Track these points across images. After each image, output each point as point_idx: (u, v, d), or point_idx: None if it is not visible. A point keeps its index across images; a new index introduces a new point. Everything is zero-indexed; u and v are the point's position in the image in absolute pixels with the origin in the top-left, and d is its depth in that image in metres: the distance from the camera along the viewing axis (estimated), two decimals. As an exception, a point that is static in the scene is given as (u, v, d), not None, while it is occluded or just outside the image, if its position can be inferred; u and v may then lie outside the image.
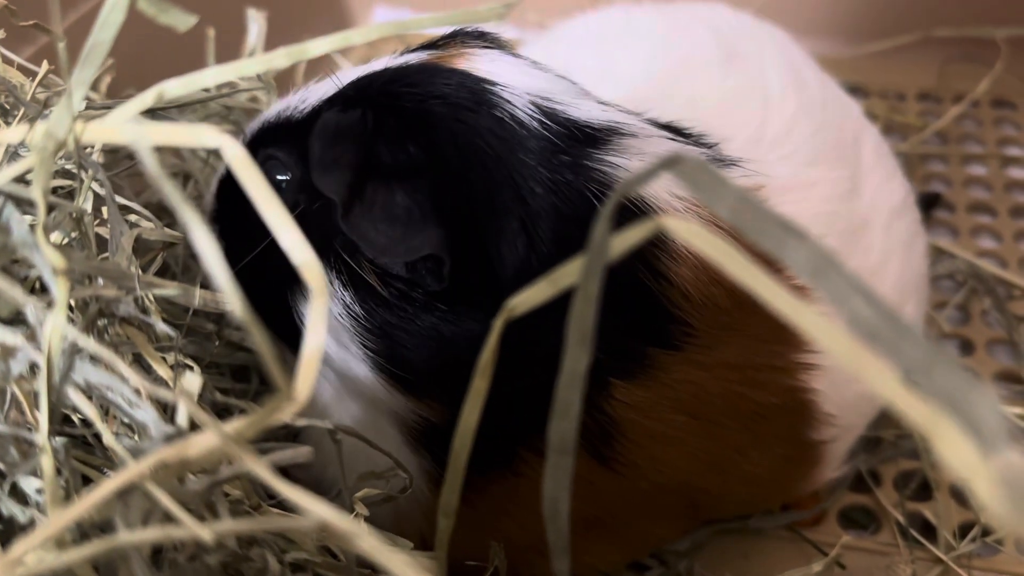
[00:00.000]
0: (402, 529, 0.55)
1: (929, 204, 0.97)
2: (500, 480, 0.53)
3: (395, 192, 0.47)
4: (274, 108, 0.56)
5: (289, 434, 0.57)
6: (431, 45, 0.56)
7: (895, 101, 1.11)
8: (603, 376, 0.50)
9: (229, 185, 0.57)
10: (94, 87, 0.76)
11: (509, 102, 0.49)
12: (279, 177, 0.52)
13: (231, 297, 0.30)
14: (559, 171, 0.48)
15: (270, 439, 0.58)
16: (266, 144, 0.54)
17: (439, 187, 0.47)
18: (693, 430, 0.53)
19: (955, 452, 0.26)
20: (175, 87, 0.36)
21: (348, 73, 0.53)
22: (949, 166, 1.03)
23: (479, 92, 0.49)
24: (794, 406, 0.56)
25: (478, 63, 0.53)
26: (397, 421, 0.53)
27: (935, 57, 1.11)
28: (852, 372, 0.28)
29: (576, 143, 0.49)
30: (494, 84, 0.50)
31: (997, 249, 0.93)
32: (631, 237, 0.37)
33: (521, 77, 0.52)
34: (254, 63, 0.36)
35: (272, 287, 0.51)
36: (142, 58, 0.69)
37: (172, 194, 0.31)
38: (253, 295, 0.55)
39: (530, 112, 0.49)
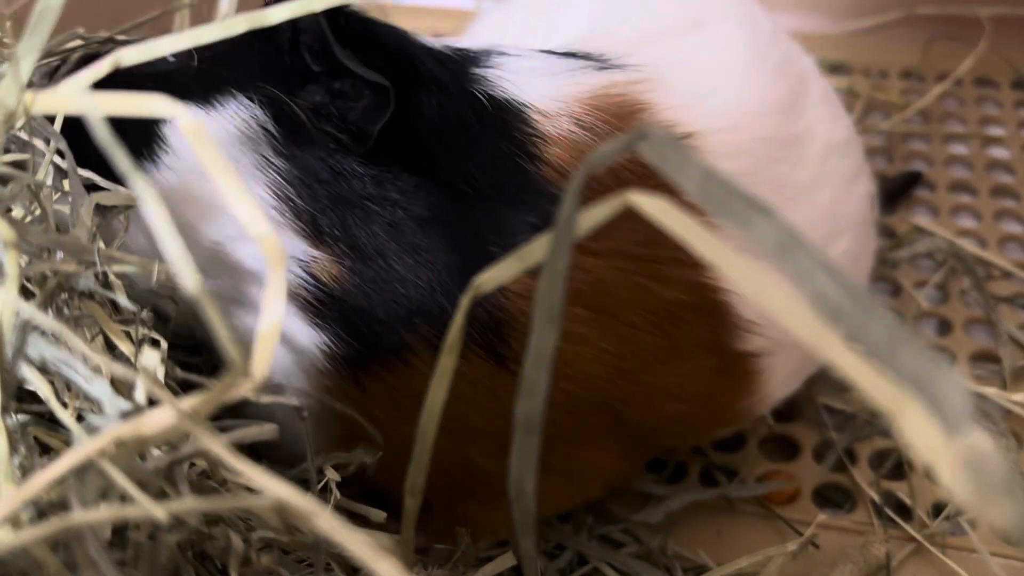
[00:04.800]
0: (321, 431, 0.54)
1: (910, 183, 0.96)
2: (391, 368, 0.53)
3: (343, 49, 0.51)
4: None
5: (247, 407, 0.56)
6: None
7: (878, 79, 1.10)
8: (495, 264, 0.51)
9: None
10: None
11: (419, 35, 0.56)
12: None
13: (185, 272, 0.29)
14: (455, 78, 0.54)
15: (239, 415, 0.57)
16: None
17: (378, 62, 0.52)
18: (596, 326, 0.53)
19: (919, 434, 0.25)
20: (132, 55, 0.35)
21: None
22: (931, 145, 1.02)
23: (392, 25, 0.56)
24: (708, 307, 0.55)
25: None
26: (297, 295, 0.52)
27: (919, 35, 1.11)
28: (816, 350, 0.27)
29: (465, 61, 0.56)
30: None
31: (977, 229, 0.93)
32: (598, 214, 0.36)
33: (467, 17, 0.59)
34: (212, 30, 0.35)
35: None
36: (119, 21, 0.68)
37: (124, 163, 0.31)
38: None
39: (436, 41, 0.56)
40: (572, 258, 0.53)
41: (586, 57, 0.59)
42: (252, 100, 0.52)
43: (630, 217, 0.50)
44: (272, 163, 0.51)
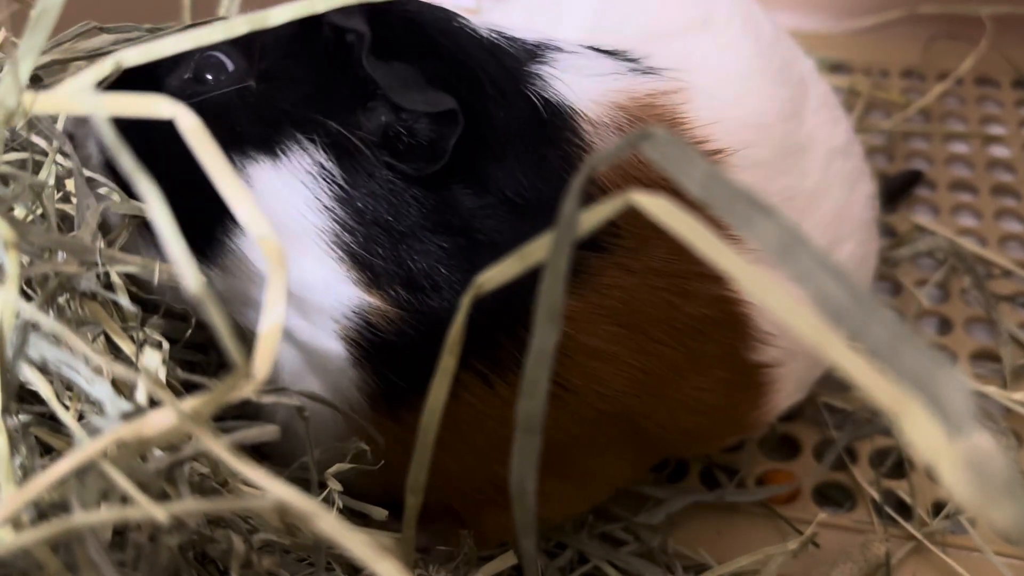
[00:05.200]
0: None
1: (910, 182, 0.96)
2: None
3: (396, 67, 0.49)
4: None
5: (252, 409, 0.56)
6: None
7: (879, 78, 1.10)
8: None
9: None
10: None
11: (469, 23, 0.53)
12: (208, 76, 0.51)
13: (187, 272, 0.29)
14: (514, 76, 0.52)
15: (240, 416, 0.57)
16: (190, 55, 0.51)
17: (436, 68, 0.50)
18: (627, 343, 0.52)
19: (921, 434, 0.25)
20: (134, 56, 0.35)
21: None
22: (931, 144, 1.02)
23: (442, 10, 0.53)
24: (728, 320, 0.55)
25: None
26: (343, 331, 0.51)
27: (920, 34, 1.11)
28: (818, 351, 0.27)
29: (521, 55, 0.54)
30: (451, 10, 0.54)
31: (978, 227, 0.93)
32: (599, 213, 0.36)
33: (464, 13, 0.55)
34: (214, 31, 0.35)
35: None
36: (126, 18, 0.67)
37: (130, 164, 0.31)
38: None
39: (484, 30, 0.53)
40: (610, 276, 0.52)
41: (626, 58, 0.57)
42: (314, 141, 0.49)
43: (660, 233, 0.51)
44: (332, 211, 0.49)
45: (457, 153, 0.49)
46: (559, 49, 0.55)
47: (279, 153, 0.50)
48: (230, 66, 0.51)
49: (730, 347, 0.56)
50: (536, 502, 0.57)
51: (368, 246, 0.49)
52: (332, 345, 0.51)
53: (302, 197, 0.49)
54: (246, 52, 0.51)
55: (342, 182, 0.49)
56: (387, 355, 0.51)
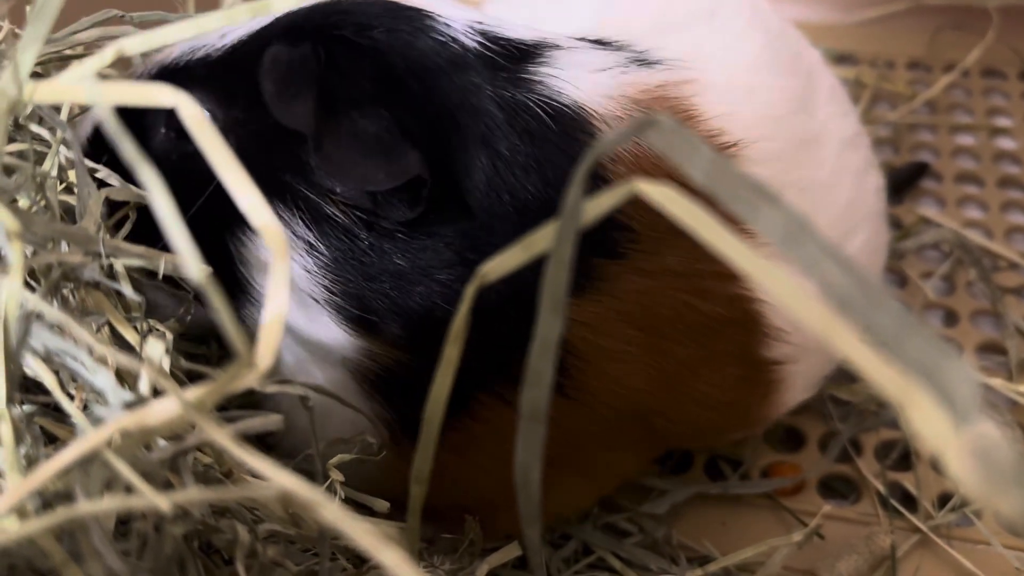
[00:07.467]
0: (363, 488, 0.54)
1: (916, 174, 0.96)
2: (459, 426, 0.52)
3: (358, 122, 0.47)
4: (171, 53, 0.53)
5: (257, 401, 0.56)
6: None
7: (885, 69, 1.09)
8: None
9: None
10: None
11: (448, 26, 0.50)
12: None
13: (190, 261, 0.29)
14: (503, 87, 0.50)
15: (245, 406, 0.57)
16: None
17: (400, 113, 0.48)
18: (644, 345, 0.52)
19: (927, 423, 0.25)
20: (134, 44, 0.34)
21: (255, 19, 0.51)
22: (937, 136, 1.02)
23: (416, 19, 0.50)
24: (742, 319, 0.55)
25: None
26: (355, 371, 0.52)
27: (926, 25, 1.10)
28: (824, 340, 0.27)
29: (513, 60, 0.51)
30: (427, 13, 0.51)
31: (983, 220, 0.92)
32: (604, 202, 0.36)
33: (450, 9, 0.53)
34: (215, 18, 0.35)
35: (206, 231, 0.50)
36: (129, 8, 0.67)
37: (132, 153, 0.30)
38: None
39: (468, 34, 0.51)
40: (628, 282, 0.52)
41: (630, 50, 0.56)
42: (294, 214, 0.49)
43: (678, 233, 0.50)
44: (319, 279, 0.49)
45: (445, 187, 0.48)
46: (557, 46, 0.53)
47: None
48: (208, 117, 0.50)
49: (743, 344, 0.56)
50: (546, 495, 0.57)
51: (361, 304, 0.49)
52: (348, 381, 0.52)
53: (294, 267, 0.49)
54: (221, 97, 0.50)
55: (326, 252, 0.49)
56: (397, 390, 0.51)
